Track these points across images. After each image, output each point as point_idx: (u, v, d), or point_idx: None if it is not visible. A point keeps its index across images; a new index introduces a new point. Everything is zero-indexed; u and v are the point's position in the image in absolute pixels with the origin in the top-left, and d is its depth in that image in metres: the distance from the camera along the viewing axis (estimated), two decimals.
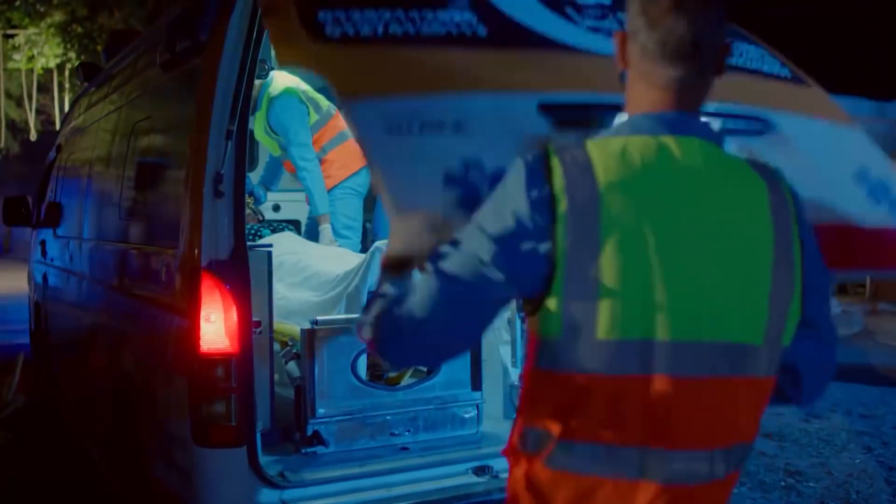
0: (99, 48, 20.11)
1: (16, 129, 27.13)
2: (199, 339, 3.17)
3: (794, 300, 1.61)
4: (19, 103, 26.14)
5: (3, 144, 26.00)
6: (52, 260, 6.74)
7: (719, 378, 1.55)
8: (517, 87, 2.54)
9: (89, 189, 5.44)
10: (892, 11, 15.61)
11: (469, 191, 2.11)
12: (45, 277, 7.17)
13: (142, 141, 4.31)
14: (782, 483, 5.74)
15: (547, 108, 2.42)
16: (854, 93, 12.30)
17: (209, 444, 3.19)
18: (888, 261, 3.26)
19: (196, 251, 3.22)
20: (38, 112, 25.24)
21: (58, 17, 22.94)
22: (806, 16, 16.93)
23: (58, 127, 19.12)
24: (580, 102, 2.47)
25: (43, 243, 7.06)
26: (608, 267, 1.49)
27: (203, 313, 3.16)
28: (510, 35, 2.64)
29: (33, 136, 24.86)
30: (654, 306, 1.50)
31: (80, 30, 23.24)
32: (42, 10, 22.93)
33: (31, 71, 24.47)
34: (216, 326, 3.16)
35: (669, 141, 1.57)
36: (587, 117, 2.30)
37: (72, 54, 23.30)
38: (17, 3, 22.73)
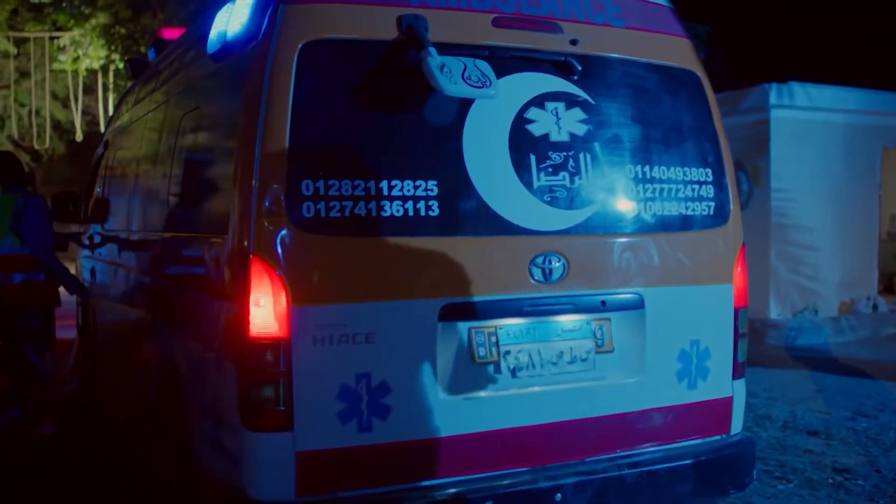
0: (142, 49, 20.36)
1: (61, 130, 27.46)
2: (248, 323, 3.20)
3: None
4: (65, 104, 26.48)
5: (48, 145, 26.36)
6: (99, 254, 6.83)
7: None
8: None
9: (137, 182, 5.52)
10: None
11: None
12: (92, 272, 7.28)
13: (190, 131, 4.36)
14: (830, 481, 5.66)
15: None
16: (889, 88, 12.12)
17: (258, 428, 3.22)
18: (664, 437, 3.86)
19: (246, 237, 3.25)
20: (83, 113, 25.57)
21: (102, 18, 23.25)
22: (839, 8, 16.70)
23: (102, 128, 19.35)
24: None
25: (91, 238, 7.16)
26: None
27: (253, 298, 3.19)
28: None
29: (79, 137, 25.19)
30: None
31: (123, 31, 23.55)
32: (86, 11, 23.24)
33: (75, 72, 24.79)
34: (265, 311, 3.18)
35: None
36: None
37: (115, 56, 23.59)
38: (63, 5, 23.07)
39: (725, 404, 4.08)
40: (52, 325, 6.42)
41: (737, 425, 4.14)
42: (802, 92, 11.09)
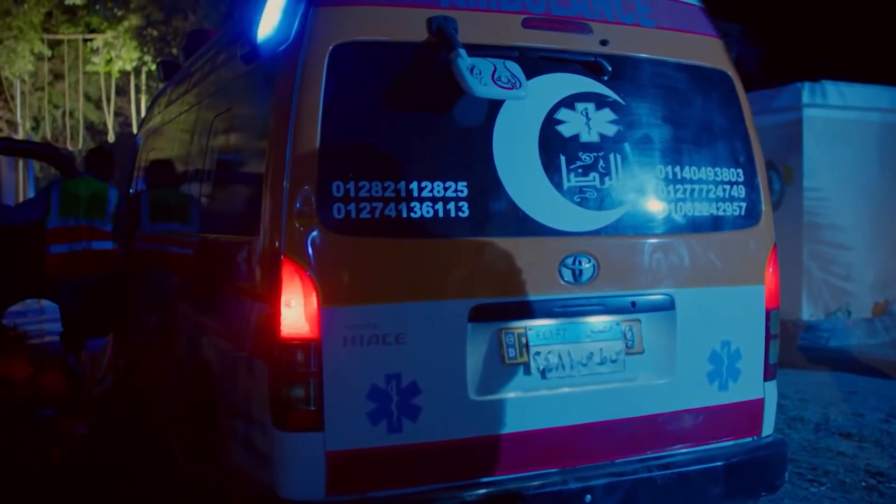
0: (174, 51, 20.54)
1: (94, 131, 27.79)
2: (279, 324, 3.22)
3: None
4: (98, 106, 26.78)
5: (82, 146, 26.69)
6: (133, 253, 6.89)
7: None
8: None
9: (168, 184, 5.56)
10: None
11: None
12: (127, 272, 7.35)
13: (222, 133, 4.39)
14: (863, 483, 5.61)
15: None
16: None
17: (289, 427, 3.24)
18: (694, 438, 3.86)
19: (277, 238, 3.28)
20: (115, 114, 25.85)
21: (134, 21, 23.50)
22: (874, 7, 16.51)
23: (135, 129, 19.52)
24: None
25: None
26: None
27: (284, 298, 3.21)
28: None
29: (111, 138, 25.46)
30: None
31: (155, 33, 23.79)
32: (119, 14, 23.49)
33: (108, 74, 25.06)
34: (296, 311, 3.21)
35: None
36: None
37: (147, 57, 23.82)
38: (97, 8, 23.33)
39: (757, 406, 4.06)
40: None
41: (768, 427, 4.11)
42: (835, 91, 11.00)
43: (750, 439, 4.05)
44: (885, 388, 8.53)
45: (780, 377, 4.25)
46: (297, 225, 3.23)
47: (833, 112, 11.03)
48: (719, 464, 3.86)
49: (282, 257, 3.24)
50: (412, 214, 3.33)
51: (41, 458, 5.90)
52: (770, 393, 4.11)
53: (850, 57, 16.15)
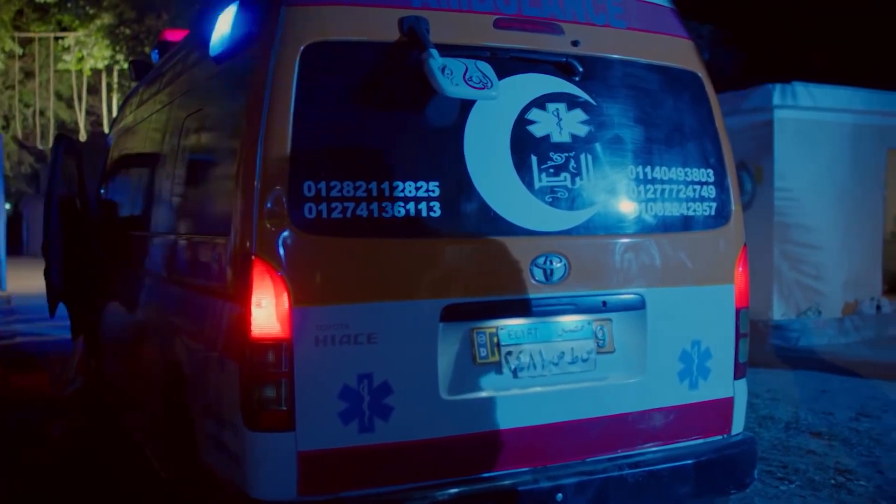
0: (147, 50, 20.41)
1: (66, 130, 27.58)
2: (250, 324, 3.21)
3: None
4: (69, 104, 26.58)
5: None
6: (105, 254, 6.85)
7: None
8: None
9: (140, 183, 5.54)
10: None
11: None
12: (98, 271, 7.29)
13: (194, 133, 4.38)
14: (832, 482, 5.67)
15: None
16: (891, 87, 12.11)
17: (260, 427, 3.23)
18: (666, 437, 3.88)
19: (248, 238, 3.27)
20: (87, 113, 25.66)
21: (106, 19, 23.34)
22: (856, 10, 16.69)
23: (107, 128, 19.37)
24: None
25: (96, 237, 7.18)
26: None
27: (254, 298, 3.20)
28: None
29: (83, 137, 25.28)
30: None
31: (127, 32, 23.63)
32: (91, 12, 23.32)
33: (80, 73, 24.87)
34: (267, 312, 3.20)
35: None
36: None
37: (120, 56, 23.65)
38: (68, 6, 23.14)
39: (727, 404, 4.09)
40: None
41: (738, 425, 4.14)
42: (806, 92, 11.10)
43: (720, 437, 4.08)
44: (854, 387, 8.62)
45: (750, 376, 4.29)
46: (268, 225, 3.23)
47: (804, 113, 11.14)
48: (689, 462, 3.89)
49: (253, 257, 3.23)
50: (384, 214, 3.33)
51: (13, 460, 5.86)
52: (740, 391, 4.14)
53: (822, 59, 16.32)
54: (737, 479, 4.10)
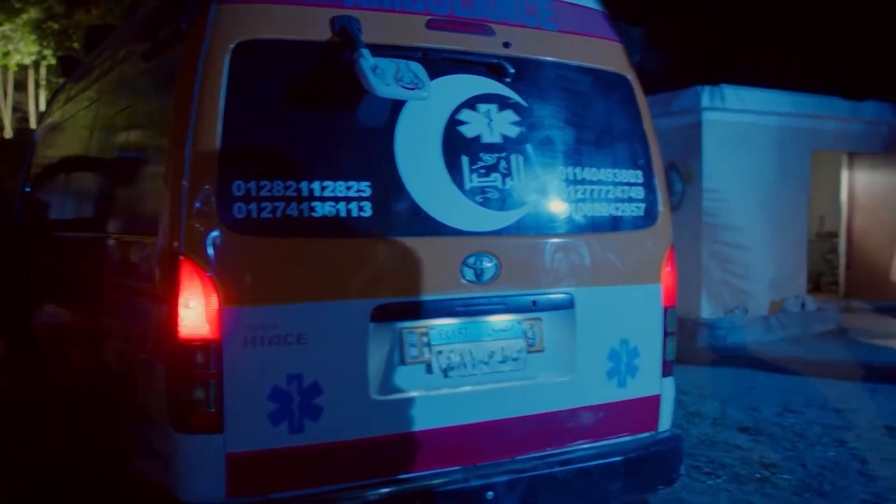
0: (75, 45, 20.03)
1: None
2: (178, 325, 3.18)
3: None
4: None
5: None
6: (35, 252, 6.70)
7: None
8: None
9: (68, 181, 5.44)
10: (867, 11, 15.79)
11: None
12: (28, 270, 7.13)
13: (122, 131, 4.31)
14: (757, 475, 5.80)
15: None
16: (830, 93, 12.42)
17: (188, 429, 3.20)
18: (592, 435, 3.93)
19: (176, 238, 3.23)
20: (13, 110, 25.08)
21: (34, 13, 22.84)
22: (784, 15, 17.09)
23: (34, 124, 18.95)
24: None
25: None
26: None
27: (182, 299, 3.17)
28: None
29: (9, 134, 24.69)
30: None
31: (55, 26, 23.16)
32: (18, 6, 22.79)
33: (5, 68, 24.30)
34: (196, 312, 3.17)
35: None
36: None
37: (47, 51, 23.17)
38: None
39: (654, 402, 4.16)
40: None
41: (665, 422, 4.22)
42: (734, 94, 11.31)
43: (648, 434, 4.15)
44: (780, 383, 8.83)
45: (680, 374, 4.37)
46: (196, 225, 3.19)
47: (732, 115, 11.35)
48: (618, 459, 3.95)
49: (181, 258, 3.19)
50: (314, 214, 3.32)
51: None
52: (667, 389, 4.22)
53: (751, 62, 16.66)
54: (664, 475, 4.17)
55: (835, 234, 15.24)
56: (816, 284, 14.60)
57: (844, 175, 14.58)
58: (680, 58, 16.92)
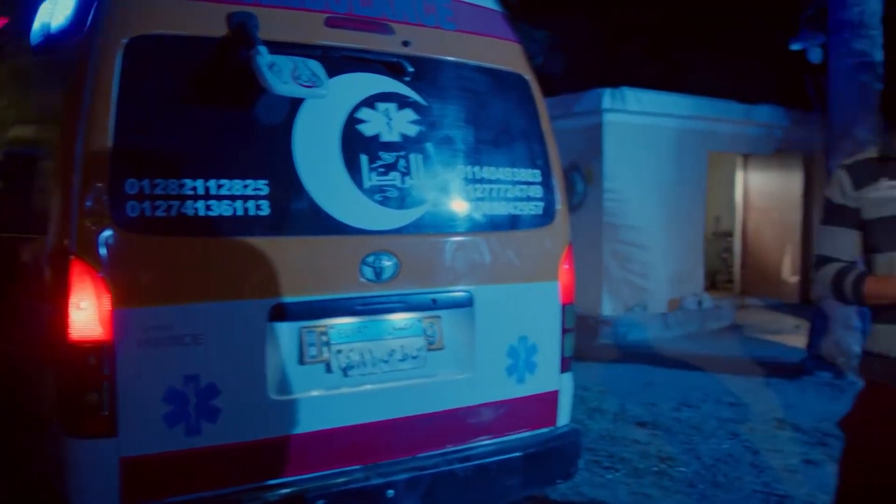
0: None
1: None
2: (69, 326, 3.10)
3: None
4: None
5: None
6: None
7: None
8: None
9: None
10: (759, 16, 16.30)
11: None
12: None
13: (11, 126, 4.19)
14: (654, 468, 5.94)
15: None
16: (723, 96, 12.77)
17: (80, 434, 3.12)
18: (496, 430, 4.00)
19: (66, 237, 3.15)
20: None
21: None
22: (679, 18, 17.54)
23: None
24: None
25: None
26: None
27: (73, 300, 3.09)
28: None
29: None
30: None
31: None
32: None
33: None
34: (87, 314, 3.09)
35: None
36: None
37: None
38: None
39: (552, 398, 4.23)
40: None
41: (563, 417, 4.29)
42: (634, 97, 11.55)
43: (546, 430, 4.22)
44: (677, 379, 9.05)
45: (581, 370, 4.45)
46: (88, 223, 3.11)
47: (631, 117, 11.59)
48: (517, 454, 4.00)
49: (71, 257, 3.11)
50: (210, 213, 3.27)
51: None
52: (566, 385, 4.29)
53: (652, 66, 17.03)
54: (562, 469, 4.24)
55: (730, 234, 15.71)
56: (713, 282, 15.01)
57: (739, 176, 15.05)
58: (582, 60, 17.20)
